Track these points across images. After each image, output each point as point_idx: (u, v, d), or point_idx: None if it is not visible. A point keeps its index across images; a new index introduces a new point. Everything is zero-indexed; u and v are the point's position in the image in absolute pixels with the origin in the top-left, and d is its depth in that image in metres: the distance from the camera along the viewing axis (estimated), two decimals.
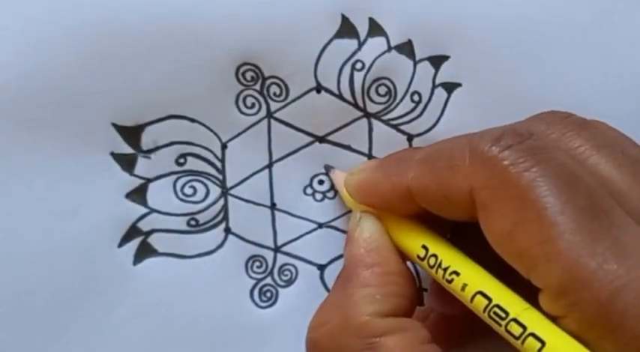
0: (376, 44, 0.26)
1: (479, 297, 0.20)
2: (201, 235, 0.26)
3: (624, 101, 0.27)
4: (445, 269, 0.21)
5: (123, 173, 0.25)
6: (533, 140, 0.20)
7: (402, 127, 0.27)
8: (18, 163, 0.24)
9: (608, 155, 0.21)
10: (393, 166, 0.23)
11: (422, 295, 0.27)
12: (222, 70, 0.25)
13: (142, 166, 0.25)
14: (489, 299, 0.20)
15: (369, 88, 0.26)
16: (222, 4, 0.25)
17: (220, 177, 0.26)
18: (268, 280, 0.27)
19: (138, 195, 0.26)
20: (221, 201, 0.26)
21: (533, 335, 0.18)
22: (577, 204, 0.18)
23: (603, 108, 0.26)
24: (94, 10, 0.24)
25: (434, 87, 0.27)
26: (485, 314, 0.20)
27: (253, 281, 0.27)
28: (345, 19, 0.25)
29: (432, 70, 0.26)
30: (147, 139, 0.25)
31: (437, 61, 0.26)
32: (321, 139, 0.27)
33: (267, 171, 0.27)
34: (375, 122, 0.27)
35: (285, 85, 0.26)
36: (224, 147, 0.26)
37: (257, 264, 0.27)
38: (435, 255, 0.22)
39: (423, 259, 0.22)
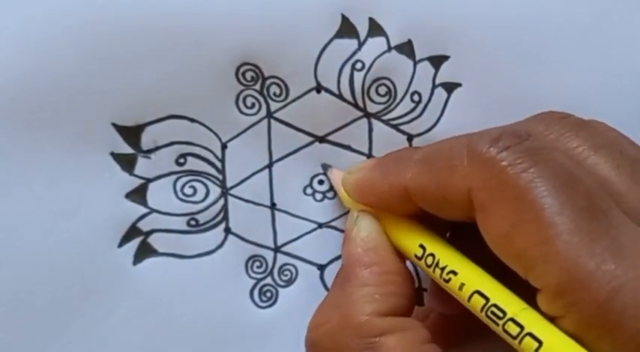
0: (376, 44, 0.26)
1: (476, 297, 0.20)
2: (201, 235, 0.26)
3: (624, 101, 0.27)
4: (443, 269, 0.21)
5: (123, 173, 0.25)
6: (531, 141, 0.20)
7: (402, 127, 0.27)
8: (18, 163, 0.24)
9: (607, 155, 0.21)
10: (391, 166, 0.23)
11: (422, 295, 0.27)
12: (222, 70, 0.25)
13: (142, 166, 0.26)
14: (487, 299, 0.20)
15: (369, 88, 0.26)
16: (222, 4, 0.25)
17: (220, 177, 0.26)
18: (268, 280, 0.27)
19: (138, 195, 0.26)
20: (221, 201, 0.26)
21: (530, 334, 0.18)
22: (575, 205, 0.18)
23: (603, 108, 0.26)
24: (94, 10, 0.24)
25: (434, 87, 0.27)
26: (483, 313, 0.20)
27: (253, 281, 0.27)
28: (345, 19, 0.25)
29: (432, 70, 0.26)
30: (147, 139, 0.25)
31: (437, 61, 0.26)
32: (321, 139, 0.27)
33: (267, 171, 0.27)
34: (375, 122, 0.27)
35: (285, 85, 0.26)
36: (224, 147, 0.26)
37: (257, 264, 0.27)
38: (432, 255, 0.22)
39: (420, 258, 0.22)
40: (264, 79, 0.26)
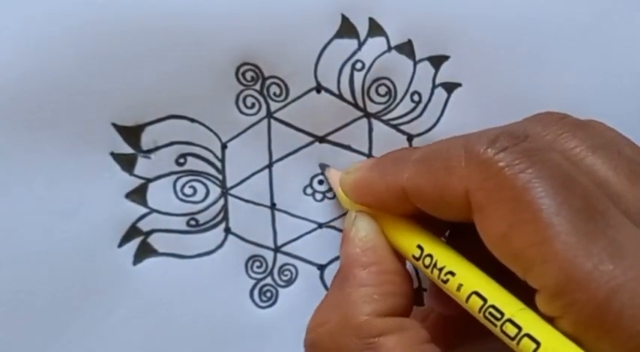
0: (376, 44, 0.26)
1: (474, 297, 0.20)
2: (201, 235, 0.26)
3: (624, 101, 0.27)
4: (440, 270, 0.21)
5: (123, 173, 0.25)
6: (528, 142, 0.20)
7: (402, 127, 0.27)
8: (18, 163, 0.24)
9: (604, 156, 0.21)
10: (389, 166, 0.23)
11: (422, 295, 0.27)
12: (222, 70, 0.25)
13: (142, 166, 0.26)
14: (484, 300, 0.20)
15: (369, 88, 0.26)
16: (222, 4, 0.25)
17: (220, 177, 0.26)
18: (268, 280, 0.27)
19: (138, 195, 0.26)
20: (221, 201, 0.26)
21: (528, 335, 0.18)
22: (573, 205, 0.18)
23: (603, 108, 0.26)
24: (94, 10, 0.24)
25: (434, 87, 0.27)
26: (481, 314, 0.20)
27: (253, 281, 0.27)
28: (345, 19, 0.25)
29: (432, 70, 0.26)
30: (147, 139, 0.25)
31: (437, 61, 0.26)
32: (321, 139, 0.27)
33: (267, 171, 0.27)
34: (375, 122, 0.27)
35: (285, 85, 0.26)
36: (224, 147, 0.26)
37: (257, 264, 0.27)
38: (430, 255, 0.22)
39: (418, 259, 0.22)
40: (264, 79, 0.26)
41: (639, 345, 0.17)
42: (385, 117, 0.27)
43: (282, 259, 0.27)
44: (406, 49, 0.26)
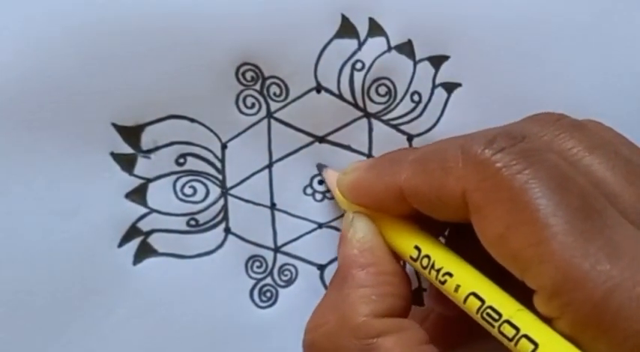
0: (376, 44, 0.26)
1: (472, 298, 0.20)
2: (201, 235, 0.26)
3: (624, 101, 0.27)
4: (438, 271, 0.21)
5: (123, 173, 0.25)
6: (525, 142, 0.20)
7: (402, 127, 0.27)
8: (18, 163, 0.24)
9: (601, 156, 0.21)
10: (386, 166, 0.23)
11: (422, 295, 0.27)
12: (222, 70, 0.25)
13: (142, 166, 0.26)
14: (482, 301, 0.20)
15: (369, 88, 0.26)
16: (222, 4, 0.25)
17: (220, 177, 0.26)
18: (268, 280, 0.27)
19: (138, 195, 0.26)
20: (221, 201, 0.26)
21: (526, 336, 0.18)
22: (570, 205, 0.18)
23: (603, 108, 0.26)
24: (94, 10, 0.24)
25: (434, 87, 0.27)
26: (479, 315, 0.20)
27: (253, 281, 0.27)
28: (345, 19, 0.25)
29: (432, 70, 0.26)
30: (147, 139, 0.25)
31: (437, 61, 0.26)
32: (321, 139, 0.27)
33: (267, 171, 0.27)
34: (375, 122, 0.27)
35: (285, 85, 0.26)
36: (224, 147, 0.26)
37: (257, 264, 0.27)
38: (427, 256, 0.22)
39: (415, 260, 0.22)
40: (264, 79, 0.26)
41: (636, 345, 0.17)
42: (385, 117, 0.27)
43: (282, 259, 0.27)
44: (406, 49, 0.26)
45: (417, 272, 0.27)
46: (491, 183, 0.19)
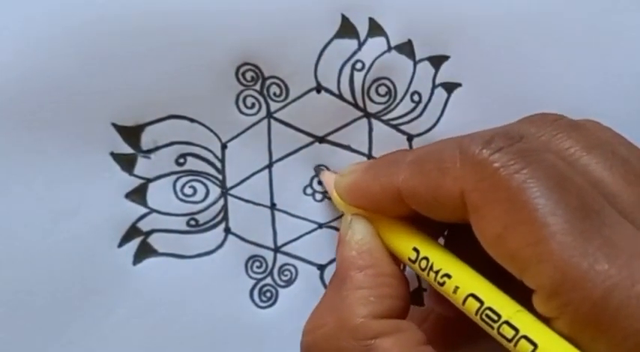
0: (376, 44, 0.26)
1: (471, 300, 0.20)
2: (201, 235, 0.26)
3: (624, 101, 0.27)
4: (437, 272, 0.21)
5: (123, 173, 0.25)
6: (523, 142, 0.20)
7: (402, 127, 0.27)
8: (18, 163, 0.24)
9: (599, 156, 0.21)
10: (384, 168, 0.23)
11: (422, 296, 0.27)
12: (222, 70, 0.25)
13: (142, 166, 0.26)
14: (481, 302, 0.20)
15: (369, 88, 0.26)
16: (222, 4, 0.25)
17: (220, 177, 0.26)
18: (268, 280, 0.27)
19: (138, 195, 0.26)
20: (221, 201, 0.26)
21: (525, 337, 0.18)
22: (568, 205, 0.18)
23: (603, 108, 0.26)
24: (94, 10, 0.24)
25: (434, 87, 0.27)
26: (478, 316, 0.20)
27: (253, 281, 0.27)
28: (345, 19, 0.25)
29: (432, 70, 0.26)
30: (147, 139, 0.25)
31: (437, 61, 0.26)
32: (321, 139, 0.27)
33: (267, 171, 0.27)
34: (375, 122, 0.27)
35: (285, 85, 0.26)
36: (224, 147, 0.26)
37: (257, 264, 0.27)
38: (426, 258, 0.22)
39: (414, 262, 0.22)
40: (264, 79, 0.26)
41: (635, 345, 0.17)
42: (385, 118, 0.27)
43: (282, 259, 0.27)
44: (406, 49, 0.26)
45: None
46: (489, 183, 0.19)
